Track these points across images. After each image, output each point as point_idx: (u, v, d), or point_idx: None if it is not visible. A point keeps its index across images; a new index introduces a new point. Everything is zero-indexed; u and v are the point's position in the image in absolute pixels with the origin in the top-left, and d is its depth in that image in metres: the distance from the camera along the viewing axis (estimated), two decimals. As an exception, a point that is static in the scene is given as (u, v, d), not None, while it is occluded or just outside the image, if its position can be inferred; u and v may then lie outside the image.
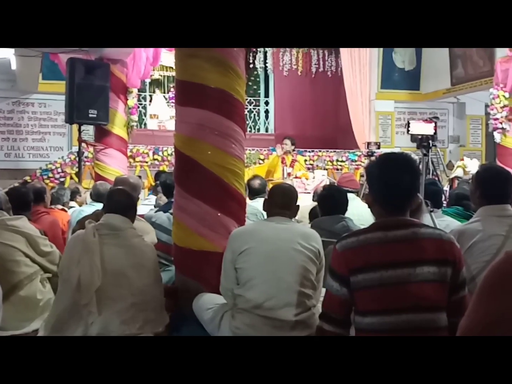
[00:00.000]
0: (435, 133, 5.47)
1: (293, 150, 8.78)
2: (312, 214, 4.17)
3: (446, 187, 7.93)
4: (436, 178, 6.91)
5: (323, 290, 2.82)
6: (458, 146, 12.18)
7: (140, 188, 5.00)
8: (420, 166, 5.30)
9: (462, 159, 9.60)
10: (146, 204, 6.07)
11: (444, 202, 5.60)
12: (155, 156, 9.60)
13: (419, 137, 5.46)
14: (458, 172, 9.10)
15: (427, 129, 5.45)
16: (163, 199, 5.11)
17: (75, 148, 9.07)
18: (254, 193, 5.25)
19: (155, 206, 5.39)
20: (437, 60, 10.97)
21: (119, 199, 3.30)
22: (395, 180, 2.13)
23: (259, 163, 9.85)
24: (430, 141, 5.45)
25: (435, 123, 5.52)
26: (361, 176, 9.89)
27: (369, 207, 2.24)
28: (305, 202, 5.29)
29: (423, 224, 2.22)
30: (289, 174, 8.29)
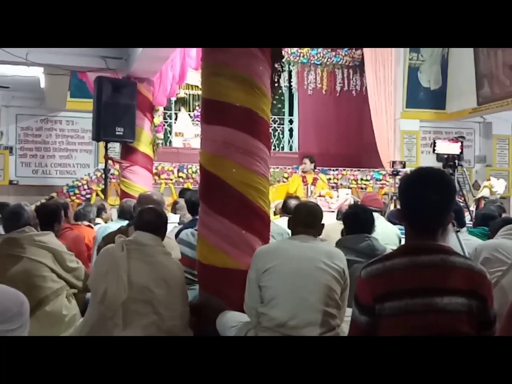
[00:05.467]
0: (461, 152, 5.45)
1: (314, 168, 8.76)
2: (343, 233, 4.13)
3: (472, 208, 7.83)
4: (463, 199, 6.84)
5: (348, 310, 2.79)
6: (485, 166, 12.06)
7: (163, 204, 5.02)
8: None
9: (489, 179, 9.50)
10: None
11: (471, 222, 5.54)
12: (180, 174, 9.67)
13: (445, 156, 5.44)
14: (485, 192, 9.00)
15: (453, 148, 5.42)
16: (188, 217, 5.13)
17: (101, 165, 9.18)
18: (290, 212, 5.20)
19: (179, 224, 5.41)
20: (462, 79, 10.90)
21: (150, 220, 3.30)
22: (420, 198, 2.00)
23: (283, 181, 9.85)
24: (456, 161, 5.42)
25: (462, 142, 5.48)
26: (384, 194, 9.83)
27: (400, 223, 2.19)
28: (329, 221, 5.26)
29: (453, 252, 2.04)
30: (312, 192, 8.27)
